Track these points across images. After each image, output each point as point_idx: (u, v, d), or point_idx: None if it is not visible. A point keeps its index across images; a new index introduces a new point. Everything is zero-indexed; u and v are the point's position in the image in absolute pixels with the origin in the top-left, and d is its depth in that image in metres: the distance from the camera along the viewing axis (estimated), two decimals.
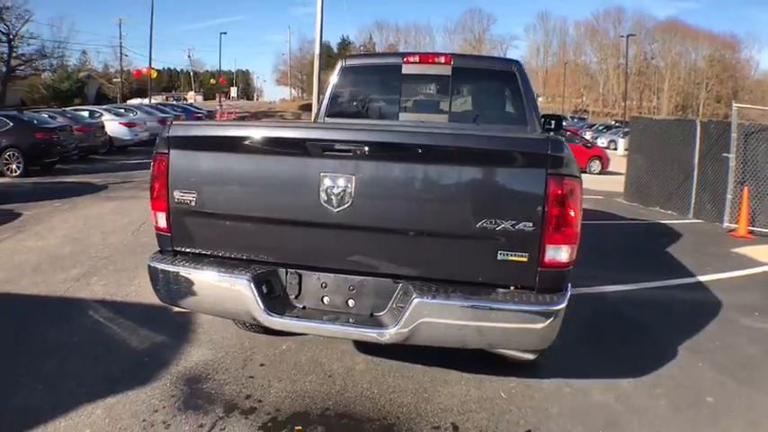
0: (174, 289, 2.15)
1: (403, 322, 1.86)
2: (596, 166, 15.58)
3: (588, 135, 26.06)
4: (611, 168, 15.81)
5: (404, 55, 4.09)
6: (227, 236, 2.13)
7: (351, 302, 2.04)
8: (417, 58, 4.01)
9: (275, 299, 2.05)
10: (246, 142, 1.99)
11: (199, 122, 2.27)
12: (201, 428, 2.20)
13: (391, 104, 4.06)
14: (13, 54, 32.73)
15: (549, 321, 1.85)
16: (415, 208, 1.93)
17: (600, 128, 31.16)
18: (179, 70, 71.91)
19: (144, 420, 2.23)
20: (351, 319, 2.00)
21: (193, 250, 2.21)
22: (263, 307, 1.98)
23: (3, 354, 2.76)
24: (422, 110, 4.05)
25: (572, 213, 1.84)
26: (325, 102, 4.21)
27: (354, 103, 4.18)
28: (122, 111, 17.74)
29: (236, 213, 2.09)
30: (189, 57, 62.73)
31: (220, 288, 2.04)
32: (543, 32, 66.78)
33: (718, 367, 2.91)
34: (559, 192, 1.81)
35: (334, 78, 4.22)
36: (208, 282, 2.06)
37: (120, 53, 43.91)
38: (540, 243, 1.84)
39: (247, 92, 74.46)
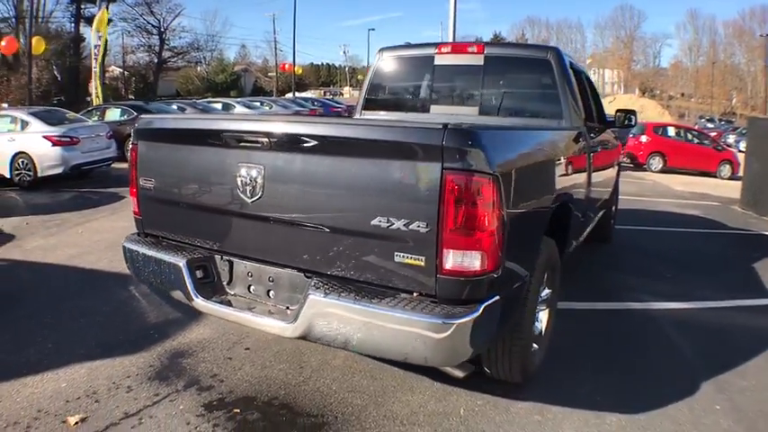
0: (136, 266, 2.35)
1: (299, 319, 1.78)
2: (726, 170, 13.34)
3: (731, 138, 22.83)
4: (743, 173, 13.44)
5: (438, 45, 3.92)
6: (178, 221, 2.26)
7: (271, 293, 2.01)
8: (450, 48, 3.82)
9: (209, 283, 2.11)
10: (182, 133, 2.09)
11: (157, 116, 2.41)
12: (156, 397, 2.35)
13: (423, 96, 3.93)
14: (165, 46, 35.42)
15: (445, 335, 1.60)
16: (315, 201, 1.84)
17: (743, 131, 26.89)
18: (337, 66, 72.80)
19: (113, 383, 2.45)
20: (270, 310, 1.97)
21: (157, 233, 2.37)
22: (192, 289, 2.05)
23: (38, 315, 3.23)
24: (452, 102, 3.85)
25: (480, 214, 1.58)
26: (362, 94, 4.22)
27: (389, 96, 4.12)
28: (257, 104, 18.98)
29: (181, 200, 2.20)
30: (344, 53, 64.97)
31: (164, 269, 2.16)
32: (693, 31, 58.86)
33: (736, 412, 2.31)
34: (459, 189, 1.56)
35: (371, 70, 4.20)
36: (156, 262, 2.20)
37: (275, 48, 45.10)
38: (437, 247, 1.61)
39: None
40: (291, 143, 1.85)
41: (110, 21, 31.25)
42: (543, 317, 2.69)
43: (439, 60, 3.81)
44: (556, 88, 3.34)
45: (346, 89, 58.41)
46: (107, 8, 25.28)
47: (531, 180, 2.02)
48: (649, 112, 29.90)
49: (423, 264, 1.64)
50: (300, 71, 38.94)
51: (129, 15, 34.12)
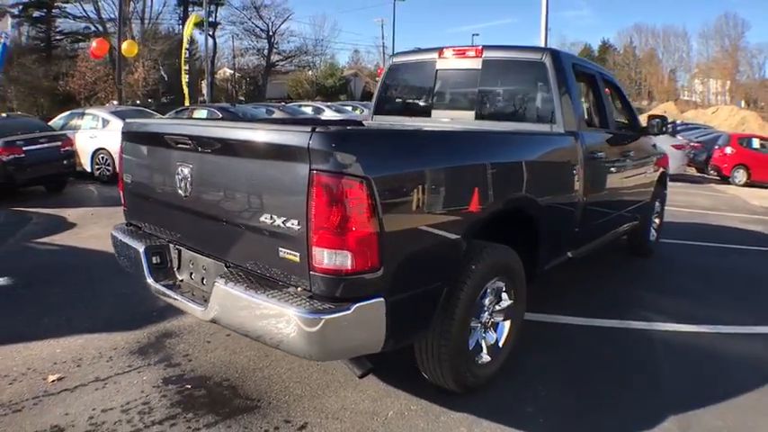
0: (116, 250, 2.68)
1: (209, 304, 1.95)
2: None
3: None
4: None
5: (441, 49, 3.94)
6: (146, 213, 2.55)
7: (204, 280, 2.20)
8: (451, 53, 3.83)
9: (162, 268, 2.36)
10: (144, 135, 2.39)
11: (136, 120, 2.71)
12: (129, 368, 2.65)
13: (426, 101, 3.96)
14: (274, 50, 36.24)
15: (314, 330, 1.67)
16: (223, 198, 2.01)
17: None
18: None
19: (99, 353, 2.80)
20: (204, 296, 2.16)
21: (137, 223, 2.68)
22: (147, 272, 2.32)
23: (66, 293, 3.70)
24: (451, 106, 3.84)
25: (348, 215, 1.63)
26: (374, 100, 4.36)
27: (398, 101, 4.20)
28: (348, 108, 19.43)
29: (147, 195, 2.47)
30: None
31: (130, 253, 2.45)
32: None
33: None
34: (325, 190, 1.63)
35: (383, 75, 4.33)
36: (126, 246, 2.50)
37: (383, 53, 44.81)
38: (308, 244, 1.69)
39: None
40: (203, 145, 2.04)
41: (217, 24, 32.98)
42: (504, 328, 2.61)
43: (441, 65, 3.83)
44: (550, 92, 3.22)
45: None
46: (214, 12, 26.59)
47: (439, 184, 1.99)
48: (751, 124, 26.67)
49: (298, 260, 1.73)
50: None
51: (238, 19, 35.45)
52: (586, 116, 4.20)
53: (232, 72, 37.05)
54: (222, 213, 2.03)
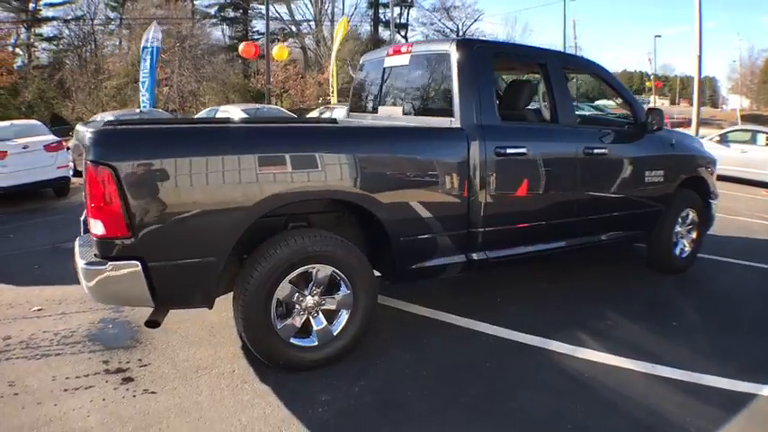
0: None
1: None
2: None
3: None
4: None
5: (389, 48, 4.09)
6: None
7: None
8: (392, 50, 3.97)
9: None
10: None
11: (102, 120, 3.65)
12: (89, 309, 3.52)
13: (375, 98, 4.15)
14: None
15: (88, 281, 2.33)
16: None
17: None
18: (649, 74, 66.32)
19: (81, 297, 3.70)
20: None
21: None
22: (83, 233, 3.13)
23: None
24: (389, 102, 3.98)
25: (100, 193, 2.21)
26: (350, 98, 4.73)
27: (360, 99, 4.46)
28: None
29: None
30: (649, 60, 58.98)
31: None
32: None
33: None
34: (89, 174, 2.24)
35: (356, 75, 4.66)
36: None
37: (576, 53, 42.50)
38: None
39: (714, 100, 66.35)
40: None
41: (407, 25, 33.45)
42: (341, 317, 2.78)
43: (387, 63, 3.97)
44: (451, 84, 3.19)
45: (653, 98, 47.85)
46: (405, 13, 27.00)
47: (199, 173, 2.34)
48: None
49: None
50: None
51: (428, 20, 36.06)
52: (543, 109, 3.88)
53: None
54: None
